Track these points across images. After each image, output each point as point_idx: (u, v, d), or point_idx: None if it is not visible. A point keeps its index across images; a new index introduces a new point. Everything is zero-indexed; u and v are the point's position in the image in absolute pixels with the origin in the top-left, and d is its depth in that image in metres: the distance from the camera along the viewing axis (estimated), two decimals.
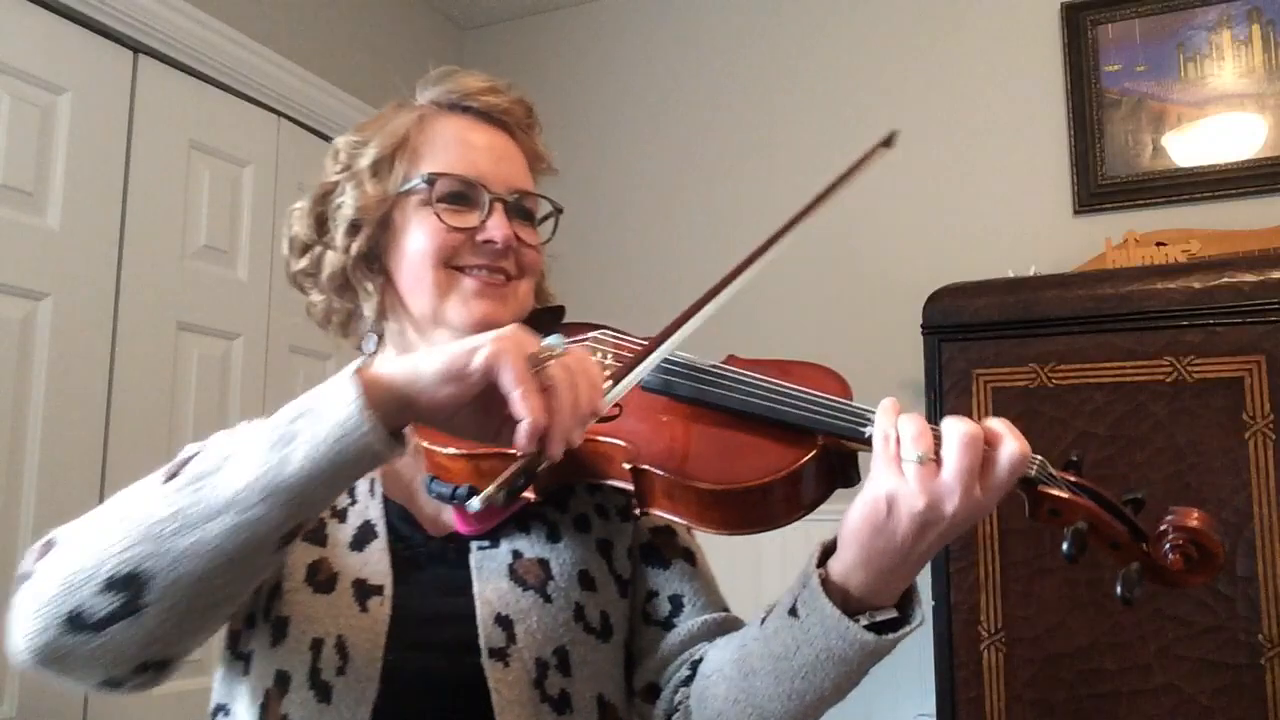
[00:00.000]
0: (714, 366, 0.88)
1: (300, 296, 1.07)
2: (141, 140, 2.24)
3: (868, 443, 0.76)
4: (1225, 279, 1.66)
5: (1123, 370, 1.69)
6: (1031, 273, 2.07)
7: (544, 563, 0.91)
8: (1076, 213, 2.49)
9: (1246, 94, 2.37)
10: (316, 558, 0.88)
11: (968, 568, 1.72)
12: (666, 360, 0.88)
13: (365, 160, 0.96)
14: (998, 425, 0.74)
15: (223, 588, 0.70)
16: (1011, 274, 2.03)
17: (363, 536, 0.90)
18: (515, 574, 0.89)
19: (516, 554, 0.91)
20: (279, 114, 2.61)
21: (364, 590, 0.86)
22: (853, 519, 0.75)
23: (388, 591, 0.86)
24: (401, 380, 0.69)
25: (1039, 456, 0.76)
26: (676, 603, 0.96)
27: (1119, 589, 0.73)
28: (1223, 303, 1.65)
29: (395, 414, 0.69)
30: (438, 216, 0.93)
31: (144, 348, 2.20)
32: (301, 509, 0.69)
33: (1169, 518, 0.75)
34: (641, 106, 3.03)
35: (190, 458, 0.73)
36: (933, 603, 1.72)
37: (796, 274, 2.70)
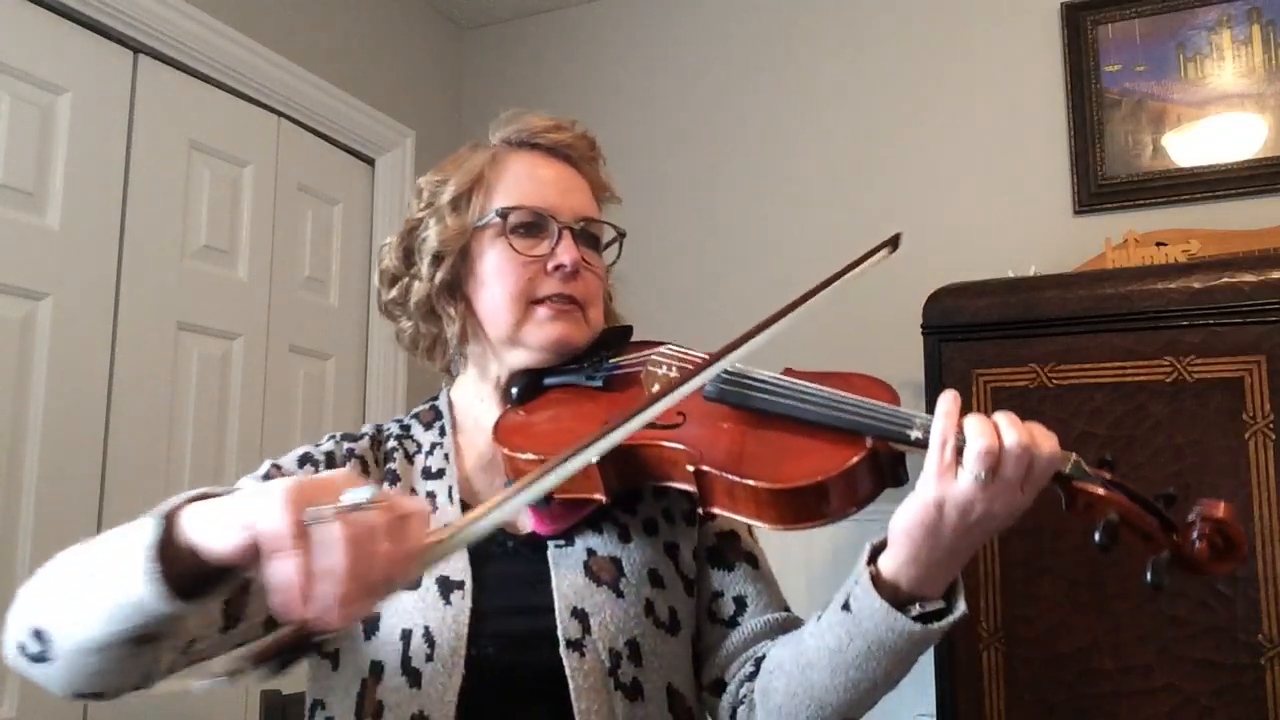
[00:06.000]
0: (768, 376, 0.94)
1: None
2: (141, 140, 2.24)
3: (914, 445, 0.82)
4: (1225, 279, 1.66)
5: (1123, 370, 1.69)
6: (1031, 273, 2.07)
7: (616, 561, 0.98)
8: (1076, 213, 2.49)
9: (1246, 94, 2.37)
10: None
11: (968, 568, 1.72)
12: (728, 373, 0.94)
13: (445, 196, 1.05)
14: (1035, 430, 0.79)
15: (110, 660, 0.73)
16: (1011, 274, 2.03)
17: None
18: (590, 570, 0.96)
19: (591, 552, 0.97)
20: (279, 114, 2.61)
21: (447, 585, 0.92)
22: (903, 520, 0.80)
23: (468, 586, 0.93)
24: (197, 542, 0.67)
25: (1074, 455, 0.81)
26: (740, 603, 1.02)
27: (1148, 575, 0.77)
28: (1223, 303, 1.65)
29: (194, 572, 0.68)
30: (511, 246, 1.02)
31: (144, 348, 2.20)
32: (126, 638, 0.71)
33: (1196, 509, 0.81)
34: (641, 107, 3.03)
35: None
36: None
37: (796, 274, 2.70)
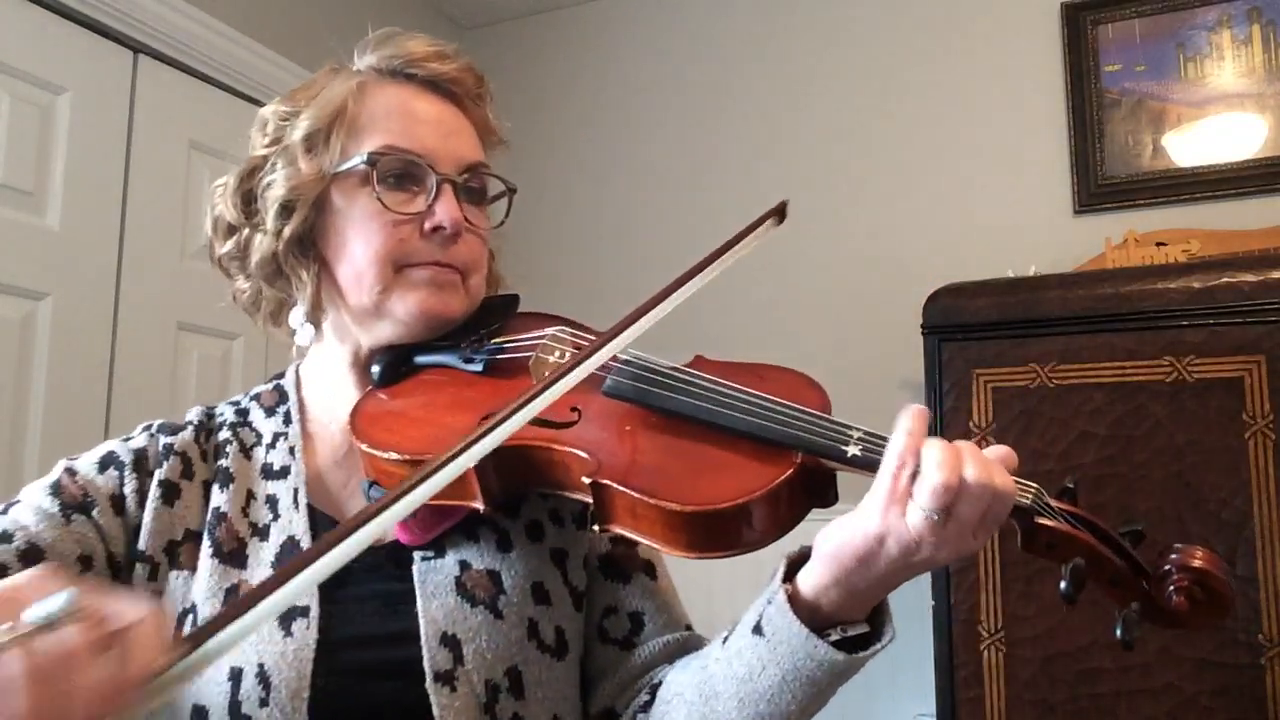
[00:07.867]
0: (682, 371, 0.80)
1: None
2: (141, 140, 2.24)
3: (849, 463, 0.70)
4: (1225, 279, 1.66)
5: (1123, 370, 1.69)
6: (1031, 273, 2.07)
7: (494, 575, 0.83)
8: (1076, 213, 2.49)
9: (1246, 94, 2.37)
10: (234, 582, 0.80)
11: (968, 568, 1.72)
12: (632, 365, 0.80)
13: (298, 133, 0.87)
14: (994, 467, 0.67)
15: None
16: (1011, 274, 2.03)
17: (286, 555, 0.81)
18: (463, 588, 0.81)
19: (464, 565, 0.83)
20: None
21: (288, 612, 0.77)
22: (836, 544, 0.69)
23: (314, 613, 0.78)
24: None
25: (1035, 485, 0.69)
26: (636, 620, 0.89)
27: (1119, 632, 0.68)
28: (1223, 303, 1.65)
29: None
30: (380, 200, 0.84)
31: (144, 348, 2.20)
32: None
33: (1173, 556, 0.69)
34: (641, 106, 3.03)
35: None
36: (932, 602, 1.72)
37: (797, 273, 2.70)
